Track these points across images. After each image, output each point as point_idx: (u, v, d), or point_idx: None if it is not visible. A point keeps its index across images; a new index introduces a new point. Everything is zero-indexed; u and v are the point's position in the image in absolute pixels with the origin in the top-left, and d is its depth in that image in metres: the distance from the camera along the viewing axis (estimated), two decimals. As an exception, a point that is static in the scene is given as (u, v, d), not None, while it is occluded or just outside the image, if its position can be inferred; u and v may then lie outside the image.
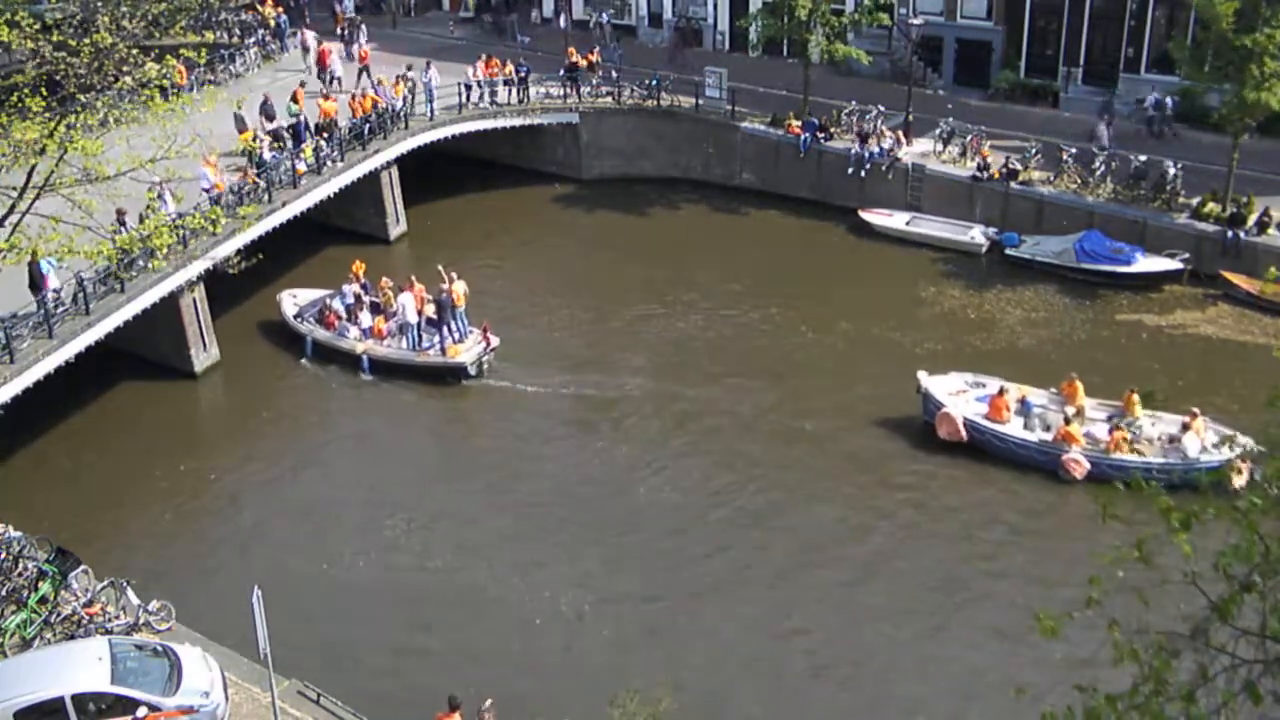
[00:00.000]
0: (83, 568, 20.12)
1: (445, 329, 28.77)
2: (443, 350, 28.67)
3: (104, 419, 27.30)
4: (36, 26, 18.75)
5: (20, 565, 19.81)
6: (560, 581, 21.92)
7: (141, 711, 16.81)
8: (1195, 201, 32.08)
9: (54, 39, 18.85)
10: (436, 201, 38.00)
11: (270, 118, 35.22)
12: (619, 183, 39.42)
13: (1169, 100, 36.16)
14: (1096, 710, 6.98)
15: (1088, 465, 24.11)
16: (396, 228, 36.39)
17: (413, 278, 29.81)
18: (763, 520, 23.61)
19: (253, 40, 43.82)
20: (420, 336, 28.95)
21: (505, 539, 23.32)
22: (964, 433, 25.29)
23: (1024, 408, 25.47)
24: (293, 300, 30.96)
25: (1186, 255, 31.22)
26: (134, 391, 28.26)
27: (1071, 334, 29.90)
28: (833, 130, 37.23)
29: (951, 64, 41.26)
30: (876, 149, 36.06)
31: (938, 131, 36.34)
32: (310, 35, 42.92)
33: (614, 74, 40.03)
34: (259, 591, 15.97)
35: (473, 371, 28.43)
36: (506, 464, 25.73)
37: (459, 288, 28.96)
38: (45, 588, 19.42)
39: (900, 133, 36.29)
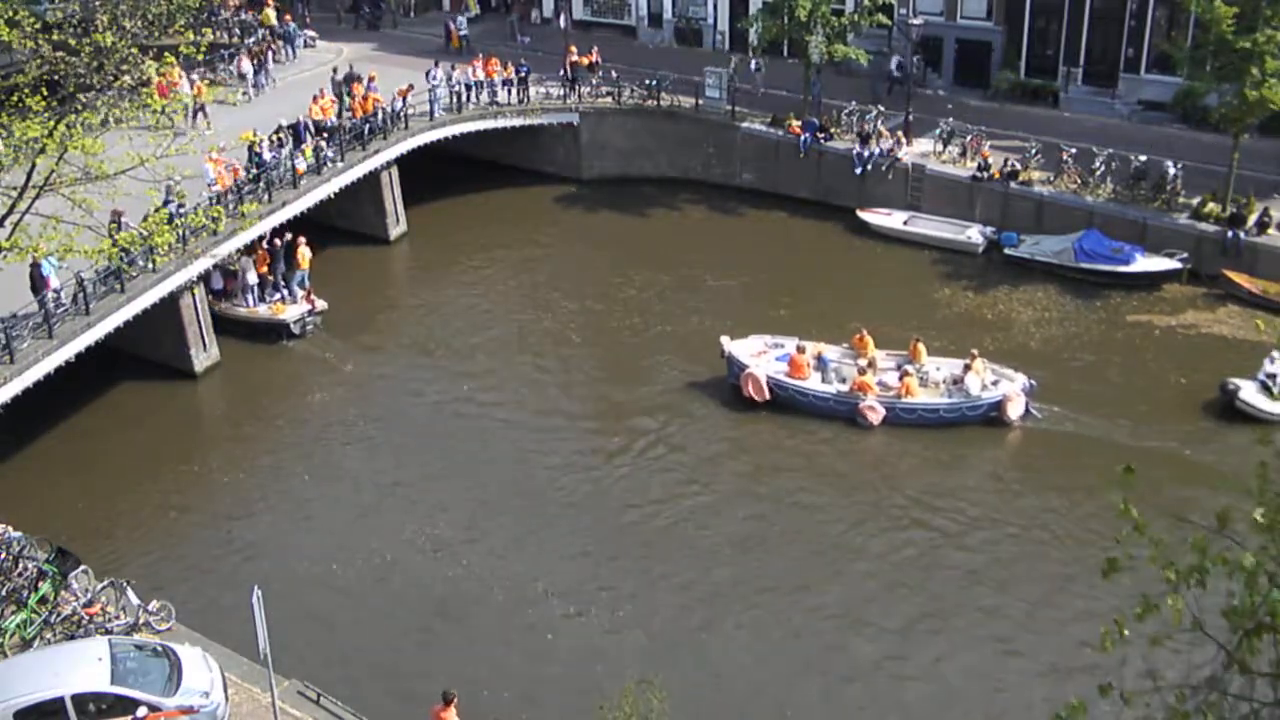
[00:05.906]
0: (83, 568, 20.12)
1: (282, 289, 31.35)
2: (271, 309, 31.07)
3: (104, 419, 27.25)
4: (37, 26, 18.73)
5: (20, 565, 19.78)
6: (565, 585, 21.91)
7: (141, 711, 16.77)
8: (1195, 201, 32.09)
9: (54, 39, 18.83)
10: (436, 201, 37.98)
11: (357, 80, 37.15)
12: (619, 183, 39.39)
13: (911, 60, 38.64)
14: None
15: (882, 411, 26.01)
16: (396, 228, 36.39)
17: (262, 243, 31.39)
18: (747, 524, 23.67)
19: (252, 40, 43.63)
20: (262, 296, 31.27)
21: (508, 539, 23.29)
22: (767, 391, 26.48)
23: (821, 363, 27.09)
24: None
25: (1185, 255, 31.22)
26: (134, 391, 28.24)
27: (1084, 334, 29.85)
28: (833, 130, 37.23)
29: (951, 64, 41.26)
30: (877, 149, 36.06)
31: (938, 132, 36.35)
32: (245, 61, 41.32)
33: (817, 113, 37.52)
34: (259, 591, 15.96)
35: (295, 330, 30.61)
36: (509, 465, 25.70)
37: (304, 252, 31.45)
38: (45, 588, 19.41)
39: (900, 133, 36.30)
